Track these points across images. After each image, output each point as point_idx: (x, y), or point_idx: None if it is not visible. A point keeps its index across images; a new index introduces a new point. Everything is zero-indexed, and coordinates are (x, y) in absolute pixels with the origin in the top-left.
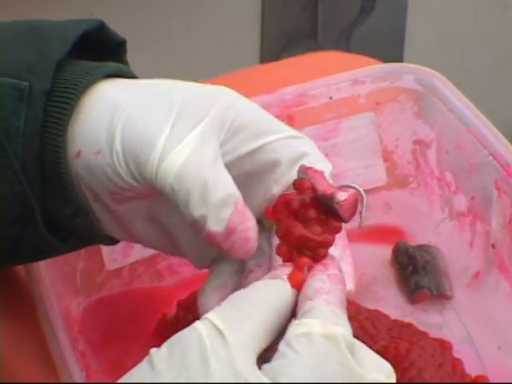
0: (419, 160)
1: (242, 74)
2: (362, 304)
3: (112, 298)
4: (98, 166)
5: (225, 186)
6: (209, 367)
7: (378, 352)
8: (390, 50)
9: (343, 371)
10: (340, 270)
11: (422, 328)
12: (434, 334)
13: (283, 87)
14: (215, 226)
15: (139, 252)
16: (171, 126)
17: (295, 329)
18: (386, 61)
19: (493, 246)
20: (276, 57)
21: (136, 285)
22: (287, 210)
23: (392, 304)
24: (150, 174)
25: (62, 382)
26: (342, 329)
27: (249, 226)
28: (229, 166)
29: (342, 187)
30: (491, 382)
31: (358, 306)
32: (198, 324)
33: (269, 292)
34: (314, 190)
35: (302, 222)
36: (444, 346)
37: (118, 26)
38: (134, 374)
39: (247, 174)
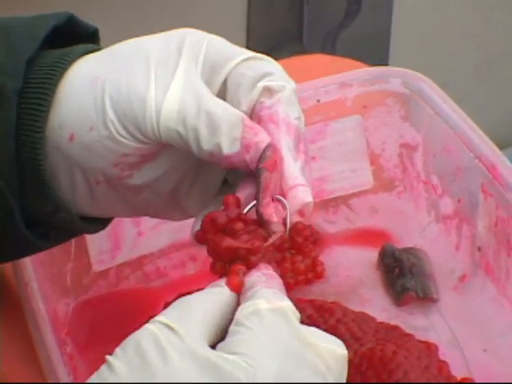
0: (406, 163)
1: None
2: (348, 306)
3: (99, 300)
4: (94, 142)
5: (226, 110)
6: (167, 356)
7: (364, 354)
8: (376, 52)
9: (295, 341)
10: (274, 272)
11: (408, 330)
12: (420, 336)
13: None
14: (230, 148)
15: (126, 253)
16: (154, 79)
17: (243, 310)
18: (371, 63)
19: (479, 248)
20: None
21: (123, 286)
22: (214, 228)
23: (378, 306)
24: (152, 129)
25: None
26: (289, 303)
27: (263, 136)
28: None
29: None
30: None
31: (344, 309)
32: (147, 325)
33: (209, 295)
34: (238, 203)
35: (230, 236)
36: (430, 348)
37: (100, 28)
38: (94, 380)
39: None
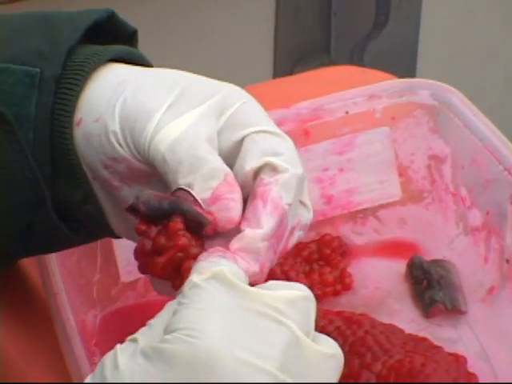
0: (434, 175)
1: (256, 88)
2: (376, 318)
3: (127, 310)
4: (94, 134)
5: (216, 161)
6: (117, 361)
7: (392, 366)
8: (404, 64)
9: (236, 298)
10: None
11: (436, 342)
12: (448, 348)
13: (297, 101)
14: (201, 192)
15: None
16: (172, 102)
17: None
18: (399, 75)
19: (507, 261)
20: (289, 71)
21: (151, 297)
22: (147, 256)
23: (407, 318)
24: (144, 143)
25: None
26: (223, 267)
27: (234, 196)
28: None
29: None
30: None
31: (372, 320)
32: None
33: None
34: (149, 225)
35: (162, 253)
36: (458, 360)
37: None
38: None
39: (230, 159)
